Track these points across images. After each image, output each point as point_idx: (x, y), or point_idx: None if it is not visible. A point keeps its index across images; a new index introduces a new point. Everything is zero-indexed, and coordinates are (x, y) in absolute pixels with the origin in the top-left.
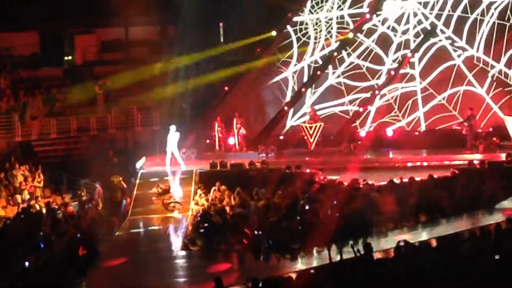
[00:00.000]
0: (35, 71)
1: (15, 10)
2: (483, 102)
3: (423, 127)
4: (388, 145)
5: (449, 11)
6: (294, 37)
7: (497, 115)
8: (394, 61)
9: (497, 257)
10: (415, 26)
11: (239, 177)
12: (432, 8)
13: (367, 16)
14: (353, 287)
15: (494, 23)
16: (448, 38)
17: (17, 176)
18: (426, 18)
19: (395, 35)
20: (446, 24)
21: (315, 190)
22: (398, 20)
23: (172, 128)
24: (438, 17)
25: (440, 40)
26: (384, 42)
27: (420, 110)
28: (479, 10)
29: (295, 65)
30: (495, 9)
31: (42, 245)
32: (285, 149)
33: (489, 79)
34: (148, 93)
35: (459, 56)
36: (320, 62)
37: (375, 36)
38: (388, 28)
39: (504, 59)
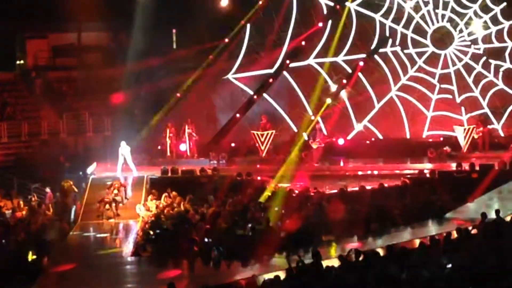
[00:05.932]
0: None
1: None
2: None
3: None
4: (339, 154)
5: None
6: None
7: (448, 125)
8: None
9: (449, 266)
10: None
11: (190, 184)
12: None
13: (319, 24)
14: None
15: None
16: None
17: None
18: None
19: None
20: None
21: (266, 197)
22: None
23: (123, 143)
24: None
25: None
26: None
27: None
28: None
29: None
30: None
31: None
32: (237, 157)
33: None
34: (100, 98)
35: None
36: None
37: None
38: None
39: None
